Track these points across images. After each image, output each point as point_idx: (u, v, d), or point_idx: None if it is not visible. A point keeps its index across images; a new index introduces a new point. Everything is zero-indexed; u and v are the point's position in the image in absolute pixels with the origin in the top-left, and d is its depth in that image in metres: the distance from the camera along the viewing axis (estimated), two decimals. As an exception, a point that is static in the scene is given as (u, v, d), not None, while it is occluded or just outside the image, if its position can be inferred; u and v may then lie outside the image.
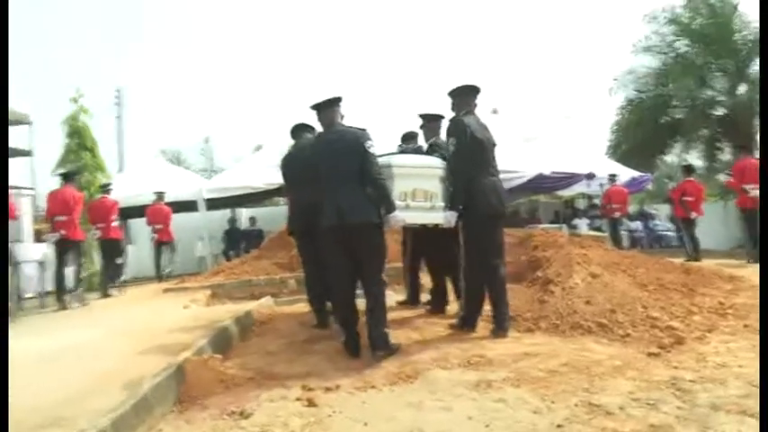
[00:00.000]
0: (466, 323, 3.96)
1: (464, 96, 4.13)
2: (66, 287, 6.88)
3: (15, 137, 9.40)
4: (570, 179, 11.98)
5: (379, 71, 51.52)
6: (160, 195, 9.76)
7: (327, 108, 3.90)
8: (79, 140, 9.80)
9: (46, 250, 7.49)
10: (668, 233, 13.19)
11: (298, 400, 2.79)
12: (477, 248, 3.91)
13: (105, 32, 51.21)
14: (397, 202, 3.83)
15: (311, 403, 2.72)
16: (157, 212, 9.65)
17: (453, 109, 4.18)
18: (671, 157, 17.24)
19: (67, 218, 6.83)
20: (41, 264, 7.37)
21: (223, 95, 49.29)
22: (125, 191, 9.89)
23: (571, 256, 5.25)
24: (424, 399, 2.70)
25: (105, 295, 7.70)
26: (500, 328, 3.78)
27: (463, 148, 3.91)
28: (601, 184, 11.54)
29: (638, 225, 13.48)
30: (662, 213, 14.40)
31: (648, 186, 14.14)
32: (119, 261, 8.23)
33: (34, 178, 11.85)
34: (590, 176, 11.74)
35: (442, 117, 4.81)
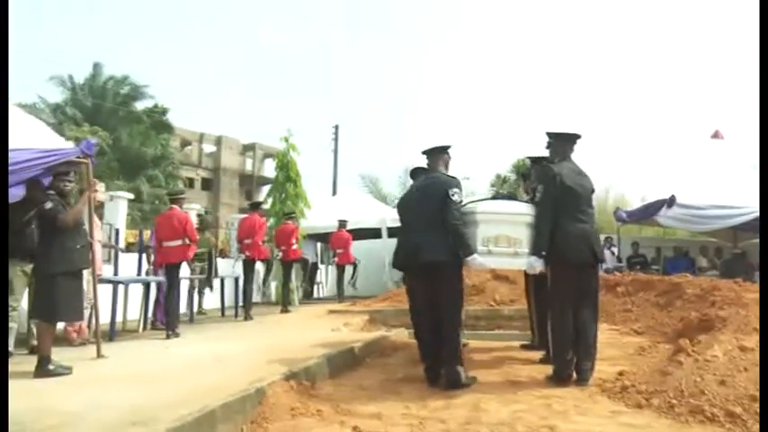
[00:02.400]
0: (558, 377, 3.78)
1: (562, 142, 4.11)
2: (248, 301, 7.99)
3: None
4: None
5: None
6: (342, 223, 10.71)
7: (434, 154, 4.23)
8: (286, 173, 11.32)
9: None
10: None
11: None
12: (560, 296, 3.86)
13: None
14: (480, 248, 4.01)
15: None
16: (339, 238, 10.60)
17: (550, 152, 4.17)
18: None
19: (252, 240, 7.96)
20: (236, 279, 8.64)
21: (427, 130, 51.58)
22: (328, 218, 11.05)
23: (749, 320, 4.27)
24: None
25: (284, 311, 8.70)
26: (582, 379, 3.74)
27: (550, 194, 3.90)
28: None
29: None
30: None
31: None
32: (299, 280, 9.26)
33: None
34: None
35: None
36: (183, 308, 7.44)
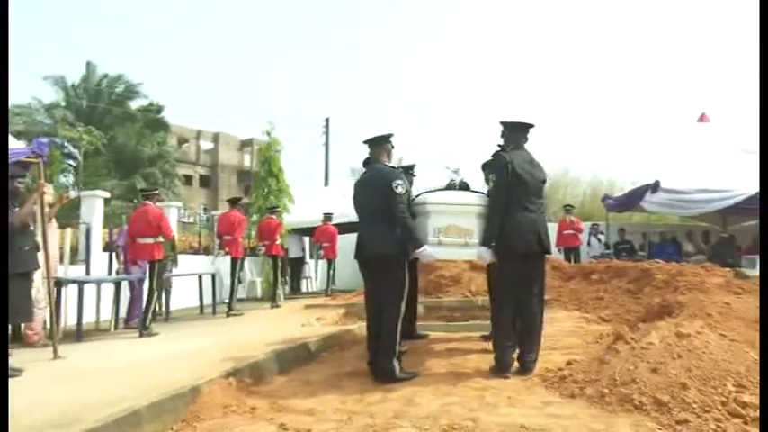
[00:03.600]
0: (498, 366, 3.73)
1: (515, 132, 4.04)
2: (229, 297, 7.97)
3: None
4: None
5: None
6: (327, 216, 10.65)
7: (376, 145, 4.17)
8: (268, 168, 11.27)
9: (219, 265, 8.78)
10: None
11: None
12: (504, 286, 3.84)
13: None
14: (430, 239, 3.99)
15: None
16: (323, 232, 10.55)
17: (504, 142, 4.09)
18: None
19: (231, 237, 7.93)
20: (213, 276, 8.61)
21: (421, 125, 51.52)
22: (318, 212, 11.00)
23: (705, 305, 4.21)
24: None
25: (274, 306, 8.66)
26: (524, 369, 3.69)
27: (502, 183, 3.84)
28: None
29: None
30: None
31: None
32: (286, 275, 9.22)
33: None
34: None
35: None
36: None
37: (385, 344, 3.80)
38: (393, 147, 4.22)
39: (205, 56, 62.99)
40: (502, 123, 4.09)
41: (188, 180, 34.42)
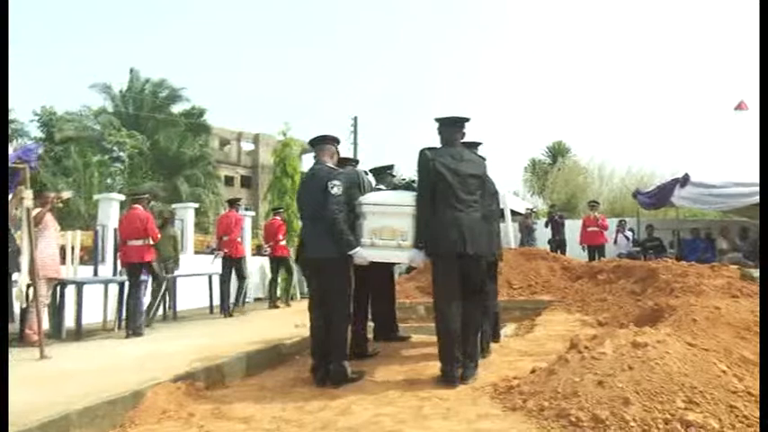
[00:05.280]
0: (444, 377, 3.55)
1: (447, 128, 3.88)
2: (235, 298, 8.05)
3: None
4: None
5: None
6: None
7: (318, 144, 4.10)
8: (283, 168, 11.33)
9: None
10: None
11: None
12: (438, 290, 3.69)
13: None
14: (363, 240, 3.89)
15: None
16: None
17: (439, 139, 3.94)
18: None
19: (229, 238, 7.99)
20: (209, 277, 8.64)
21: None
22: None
23: (694, 310, 3.90)
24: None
25: (273, 306, 8.71)
26: (462, 378, 3.54)
27: (424, 181, 3.72)
28: None
29: None
30: None
31: None
32: (292, 276, 9.22)
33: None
34: None
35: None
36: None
37: (336, 346, 3.71)
38: (337, 150, 4.14)
39: (246, 58, 64.43)
40: (436, 120, 3.92)
41: (229, 181, 35.26)
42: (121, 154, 28.38)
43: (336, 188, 3.74)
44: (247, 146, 38.18)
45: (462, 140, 4.22)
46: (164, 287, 7.36)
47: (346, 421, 2.92)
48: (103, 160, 27.72)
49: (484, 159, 4.70)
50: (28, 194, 4.66)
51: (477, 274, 3.73)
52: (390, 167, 5.24)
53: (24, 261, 4.94)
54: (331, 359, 3.70)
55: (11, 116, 27.69)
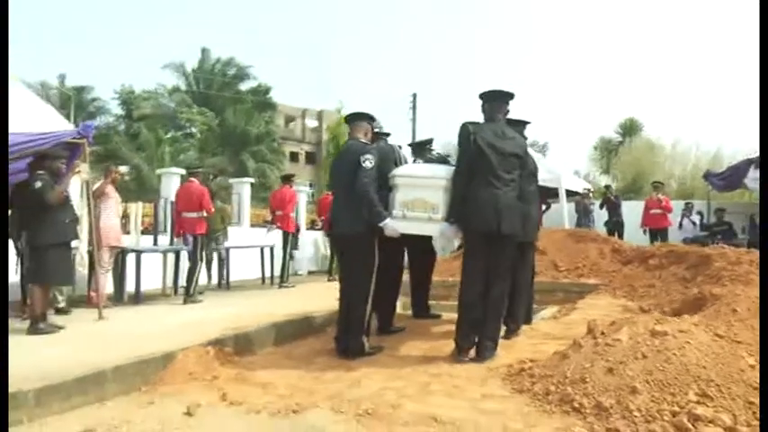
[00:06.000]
0: (457, 351, 3.59)
1: (491, 103, 3.79)
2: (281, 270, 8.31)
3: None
4: None
5: None
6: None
7: (353, 122, 4.16)
8: (336, 144, 11.50)
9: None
10: None
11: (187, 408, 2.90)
12: (467, 267, 3.65)
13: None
14: (395, 212, 3.89)
15: (188, 413, 2.82)
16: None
17: (483, 114, 3.84)
18: None
19: (282, 212, 8.22)
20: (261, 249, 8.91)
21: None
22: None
23: (738, 300, 3.68)
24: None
25: (331, 279, 8.81)
26: (477, 358, 3.54)
27: (464, 156, 3.65)
28: None
29: None
30: None
31: None
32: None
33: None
34: None
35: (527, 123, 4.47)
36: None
37: (355, 322, 3.78)
38: (372, 127, 4.13)
39: (311, 36, 65.00)
40: (480, 96, 3.82)
41: (294, 157, 36.11)
42: (193, 130, 29.80)
43: (369, 162, 3.76)
44: (312, 123, 38.83)
45: (510, 117, 4.17)
46: (201, 261, 7.42)
47: (354, 393, 3.00)
48: (176, 136, 29.20)
49: (526, 139, 4.60)
50: (84, 168, 5.00)
51: (509, 254, 3.68)
52: (429, 142, 5.21)
53: (84, 230, 5.34)
54: (349, 334, 3.78)
55: (92, 95, 29.78)
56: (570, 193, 10.83)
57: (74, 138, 5.27)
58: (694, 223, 10.82)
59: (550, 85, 55.34)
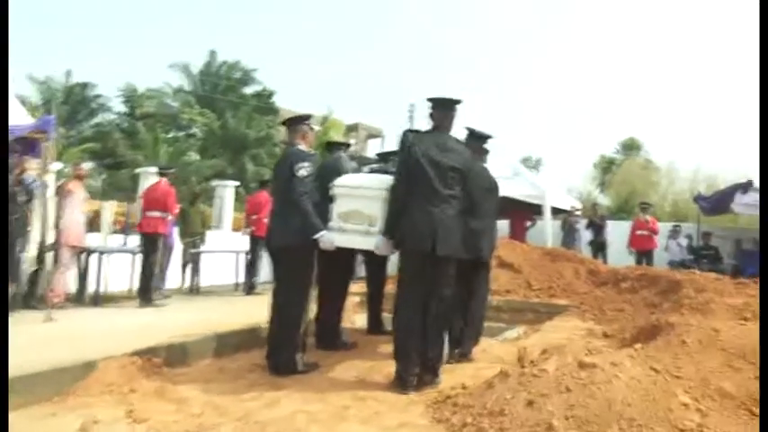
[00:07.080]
0: (398, 380, 3.31)
1: (440, 110, 3.59)
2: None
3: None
4: None
5: None
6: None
7: (292, 126, 3.99)
8: (321, 150, 11.34)
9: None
10: None
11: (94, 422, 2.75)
12: (402, 288, 3.44)
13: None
14: (331, 224, 3.72)
15: (82, 429, 2.66)
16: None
17: (432, 122, 3.65)
18: None
19: (257, 217, 8.07)
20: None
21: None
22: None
23: (689, 331, 3.50)
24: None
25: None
26: (421, 382, 3.28)
27: (402, 167, 3.46)
28: None
29: None
30: None
31: None
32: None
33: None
34: None
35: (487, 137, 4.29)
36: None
37: (286, 338, 3.61)
38: (311, 130, 3.97)
39: (315, 41, 65.22)
40: (428, 100, 3.61)
41: (294, 162, 35.98)
42: (196, 131, 29.78)
43: (304, 170, 3.59)
44: (315, 128, 38.78)
45: (473, 130, 4.04)
46: (155, 263, 7.17)
47: (264, 414, 2.83)
48: (177, 136, 29.16)
49: (487, 152, 4.42)
50: (31, 164, 4.88)
51: (449, 276, 3.42)
52: (395, 153, 5.05)
53: (36, 228, 5.20)
54: (282, 350, 3.61)
55: (95, 91, 29.85)
56: (558, 211, 10.64)
57: (31, 132, 5.17)
58: (680, 246, 10.61)
59: (553, 101, 55.15)
